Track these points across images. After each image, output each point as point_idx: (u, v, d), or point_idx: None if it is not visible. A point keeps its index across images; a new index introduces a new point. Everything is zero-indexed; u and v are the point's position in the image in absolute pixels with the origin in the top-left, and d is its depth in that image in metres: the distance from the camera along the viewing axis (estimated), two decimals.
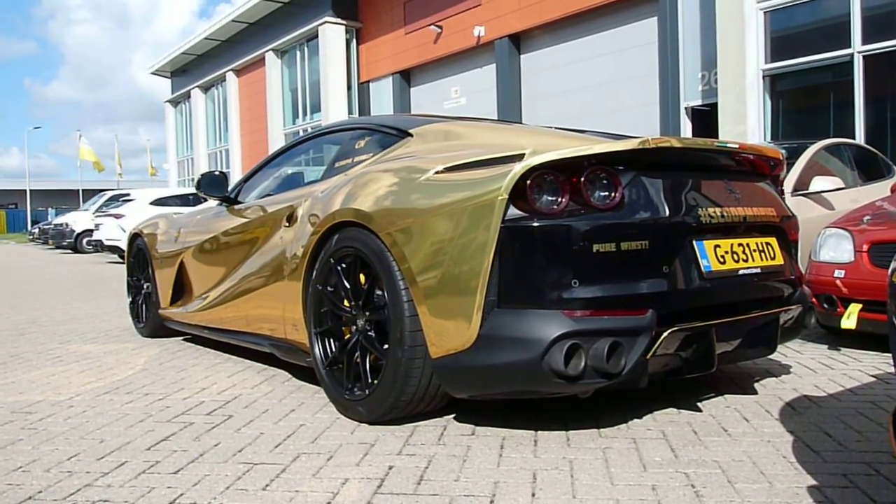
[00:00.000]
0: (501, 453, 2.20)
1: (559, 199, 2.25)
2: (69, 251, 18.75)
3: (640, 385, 2.34)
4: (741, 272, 2.54)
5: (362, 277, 2.66)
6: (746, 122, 9.77)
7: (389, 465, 2.13)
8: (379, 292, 2.57)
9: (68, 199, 54.83)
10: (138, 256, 4.79)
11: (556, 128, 3.19)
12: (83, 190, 42.25)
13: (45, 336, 4.84)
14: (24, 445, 2.40)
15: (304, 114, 21.84)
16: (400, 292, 2.42)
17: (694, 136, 11.65)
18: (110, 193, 19.68)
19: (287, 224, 3.17)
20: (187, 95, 29.21)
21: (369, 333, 2.61)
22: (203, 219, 4.20)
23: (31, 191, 51.05)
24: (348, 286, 2.70)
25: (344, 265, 2.72)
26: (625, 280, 2.26)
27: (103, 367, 3.69)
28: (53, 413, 2.81)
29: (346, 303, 2.72)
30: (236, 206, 3.87)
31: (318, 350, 2.83)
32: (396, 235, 2.46)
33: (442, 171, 2.49)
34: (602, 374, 2.19)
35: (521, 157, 2.30)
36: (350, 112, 19.94)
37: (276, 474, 2.07)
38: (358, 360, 2.64)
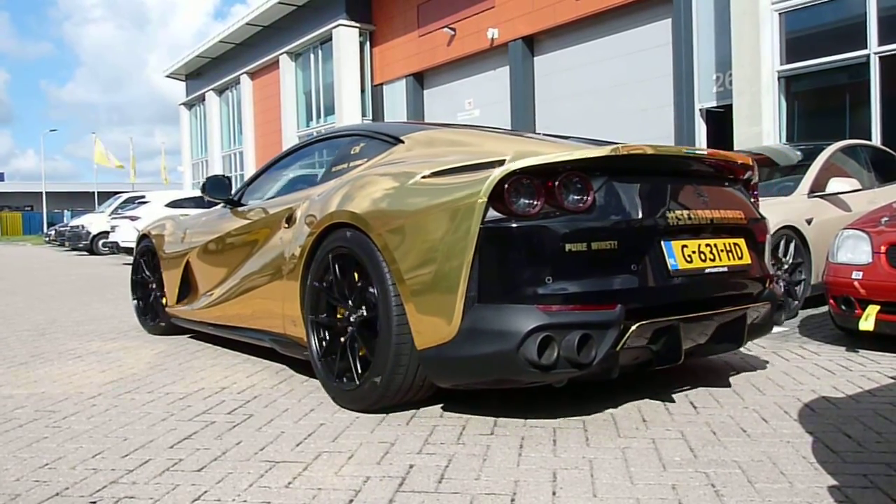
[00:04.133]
0: (521, 452, 2.22)
1: (535, 203, 2.41)
2: (85, 253, 18.92)
3: (612, 376, 2.48)
4: (708, 271, 2.69)
5: (356, 275, 2.81)
6: (761, 124, 9.73)
7: (410, 463, 2.15)
8: (371, 289, 2.71)
9: (84, 201, 55.29)
10: (146, 256, 4.97)
11: (543, 134, 3.36)
12: (98, 192, 42.62)
13: (65, 336, 4.90)
14: (49, 443, 2.44)
15: (318, 116, 21.94)
16: (388, 289, 2.59)
17: (709, 137, 11.62)
18: (126, 195, 19.83)
19: (286, 225, 3.35)
20: (202, 98, 29.41)
21: (361, 327, 2.78)
22: (208, 220, 4.38)
23: (46, 193, 51.40)
24: (342, 283, 2.87)
25: (339, 263, 2.88)
26: (595, 277, 2.42)
27: (124, 367, 3.74)
28: (77, 411, 2.85)
29: (338, 297, 2.89)
30: (239, 209, 4.05)
31: (314, 343, 3.00)
32: (386, 236, 2.64)
33: (428, 176, 2.66)
34: (574, 364, 2.34)
35: (501, 163, 2.46)
36: (364, 114, 20.02)
37: (298, 472, 2.09)
38: (350, 352, 2.81)
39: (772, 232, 4.76)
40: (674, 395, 2.85)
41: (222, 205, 4.27)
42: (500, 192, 2.39)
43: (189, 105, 31.28)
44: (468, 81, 17.22)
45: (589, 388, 2.98)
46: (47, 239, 27.05)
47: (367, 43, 20.05)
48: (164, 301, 4.70)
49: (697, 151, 2.83)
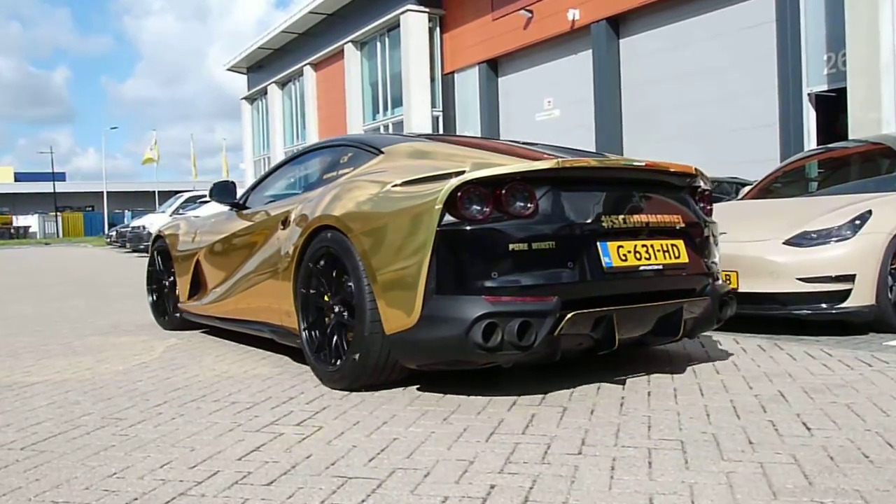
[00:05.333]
0: (612, 475, 2.19)
1: (484, 209, 3.03)
2: (146, 254, 19.68)
3: (555, 359, 3.14)
4: (642, 268, 3.25)
5: (338, 271, 3.44)
6: (880, 109, 9.32)
7: (491, 483, 2.15)
8: (349, 283, 3.34)
9: (144, 200, 57.53)
10: (161, 256, 5.74)
11: (520, 143, 4.11)
12: (159, 191, 44.28)
13: (128, 339, 5.12)
14: (117, 452, 2.55)
15: (385, 108, 22.23)
16: (363, 282, 3.24)
17: (819, 125, 11.22)
18: (187, 195, 20.56)
19: (282, 227, 4.03)
20: (264, 92, 30.20)
21: (342, 317, 3.44)
22: (216, 222, 5.12)
23: (107, 193, 53.71)
24: (327, 278, 3.53)
25: (323, 261, 3.55)
26: (535, 273, 3.03)
27: (188, 374, 3.88)
28: (143, 419, 2.97)
29: (324, 290, 3.56)
30: (244, 211, 4.77)
31: (304, 332, 3.66)
32: (361, 237, 3.29)
33: (398, 185, 3.29)
34: (516, 346, 2.93)
35: (460, 173, 3.07)
36: (434, 105, 20.18)
37: (371, 489, 2.13)
38: (334, 338, 3.47)
39: (894, 232, 4.55)
40: (783, 415, 2.76)
41: (229, 208, 4.96)
42: (454, 200, 3.01)
43: (251, 99, 32.16)
44: (547, 67, 17.12)
45: (687, 405, 2.93)
46: (108, 240, 28.25)
47: (437, 29, 20.19)
48: (177, 297, 5.39)
49: (636, 163, 3.44)
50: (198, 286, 5.16)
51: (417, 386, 3.40)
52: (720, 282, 3.67)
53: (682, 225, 3.45)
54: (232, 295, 4.53)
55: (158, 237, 5.79)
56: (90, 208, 67.49)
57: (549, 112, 17.18)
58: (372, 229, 3.25)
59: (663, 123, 14.15)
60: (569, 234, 3.09)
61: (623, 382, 3.36)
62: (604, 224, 3.17)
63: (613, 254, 3.16)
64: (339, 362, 3.38)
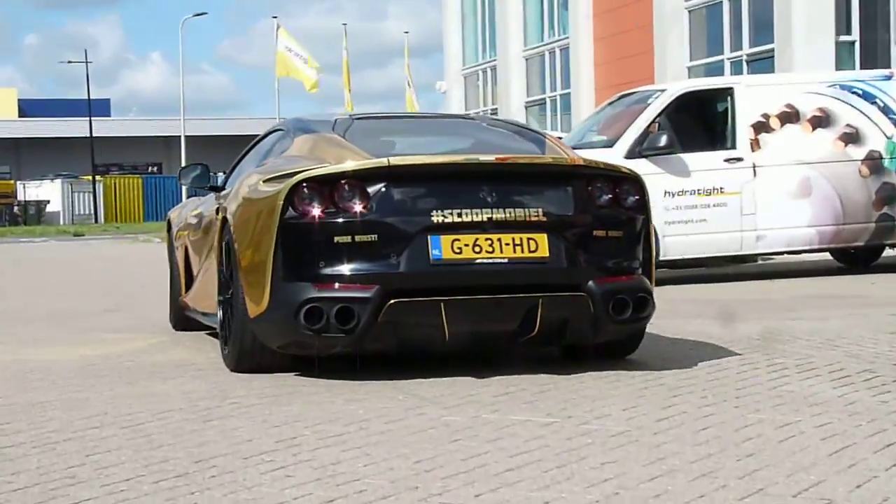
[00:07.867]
0: None
1: (318, 205, 4.69)
2: None
3: (391, 348, 4.95)
4: (479, 261, 4.70)
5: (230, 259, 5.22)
6: None
7: None
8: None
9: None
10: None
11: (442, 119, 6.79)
12: None
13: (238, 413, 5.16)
14: None
15: None
16: (239, 271, 4.93)
17: None
18: None
19: (217, 214, 5.77)
20: None
21: (231, 301, 5.17)
22: (198, 203, 7.04)
23: (186, 138, 41.18)
24: (228, 266, 5.28)
25: (227, 250, 5.28)
26: (358, 263, 4.70)
27: (375, 430, 3.74)
28: None
29: (228, 279, 5.28)
30: (221, 194, 6.31)
31: (219, 318, 5.53)
32: (235, 229, 5.10)
33: (265, 181, 5.02)
34: (341, 330, 4.58)
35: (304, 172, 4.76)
36: None
37: None
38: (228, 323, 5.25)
39: None
40: None
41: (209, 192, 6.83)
42: (292, 196, 4.64)
43: None
44: None
45: None
46: None
47: None
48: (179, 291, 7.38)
49: (482, 158, 5.01)
50: (190, 277, 6.92)
51: None
52: (624, 279, 4.98)
53: (545, 219, 4.80)
54: (199, 286, 6.43)
55: (168, 222, 7.95)
56: (154, 169, 51.28)
57: None
58: (242, 221, 5.08)
59: None
60: (393, 228, 4.70)
61: None
62: (435, 219, 4.67)
63: (445, 247, 4.66)
64: (228, 344, 5.25)
